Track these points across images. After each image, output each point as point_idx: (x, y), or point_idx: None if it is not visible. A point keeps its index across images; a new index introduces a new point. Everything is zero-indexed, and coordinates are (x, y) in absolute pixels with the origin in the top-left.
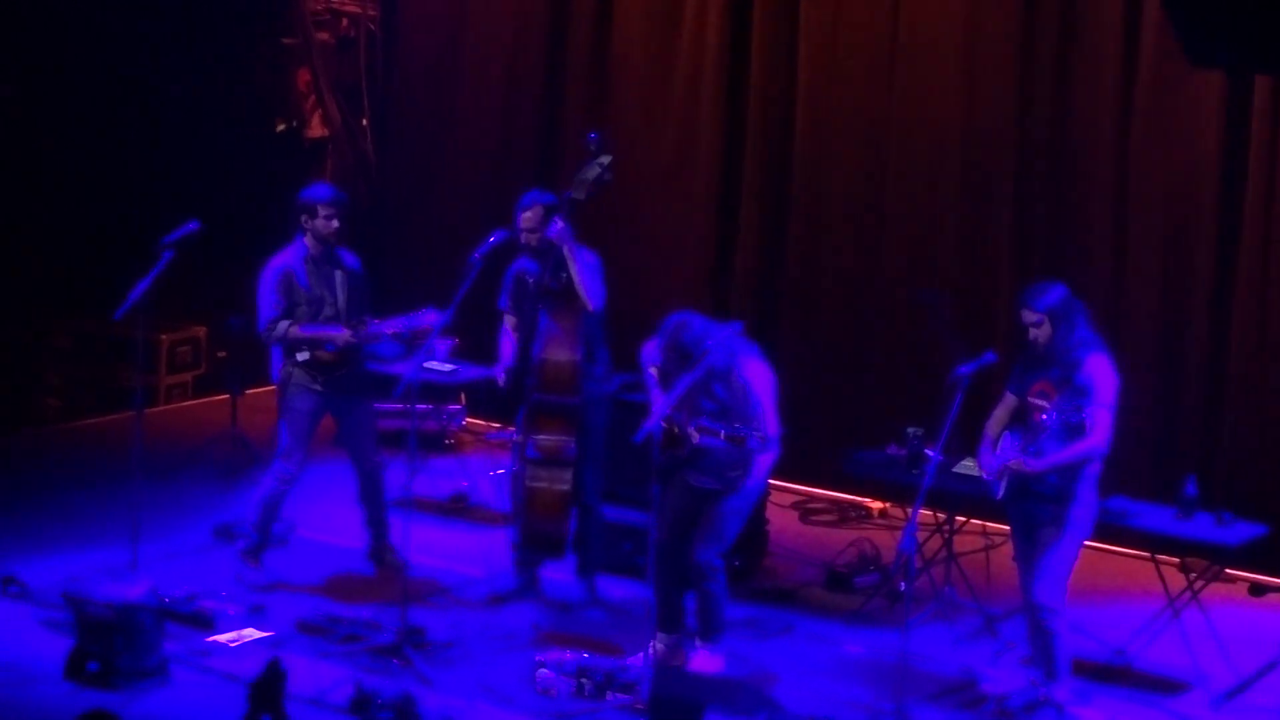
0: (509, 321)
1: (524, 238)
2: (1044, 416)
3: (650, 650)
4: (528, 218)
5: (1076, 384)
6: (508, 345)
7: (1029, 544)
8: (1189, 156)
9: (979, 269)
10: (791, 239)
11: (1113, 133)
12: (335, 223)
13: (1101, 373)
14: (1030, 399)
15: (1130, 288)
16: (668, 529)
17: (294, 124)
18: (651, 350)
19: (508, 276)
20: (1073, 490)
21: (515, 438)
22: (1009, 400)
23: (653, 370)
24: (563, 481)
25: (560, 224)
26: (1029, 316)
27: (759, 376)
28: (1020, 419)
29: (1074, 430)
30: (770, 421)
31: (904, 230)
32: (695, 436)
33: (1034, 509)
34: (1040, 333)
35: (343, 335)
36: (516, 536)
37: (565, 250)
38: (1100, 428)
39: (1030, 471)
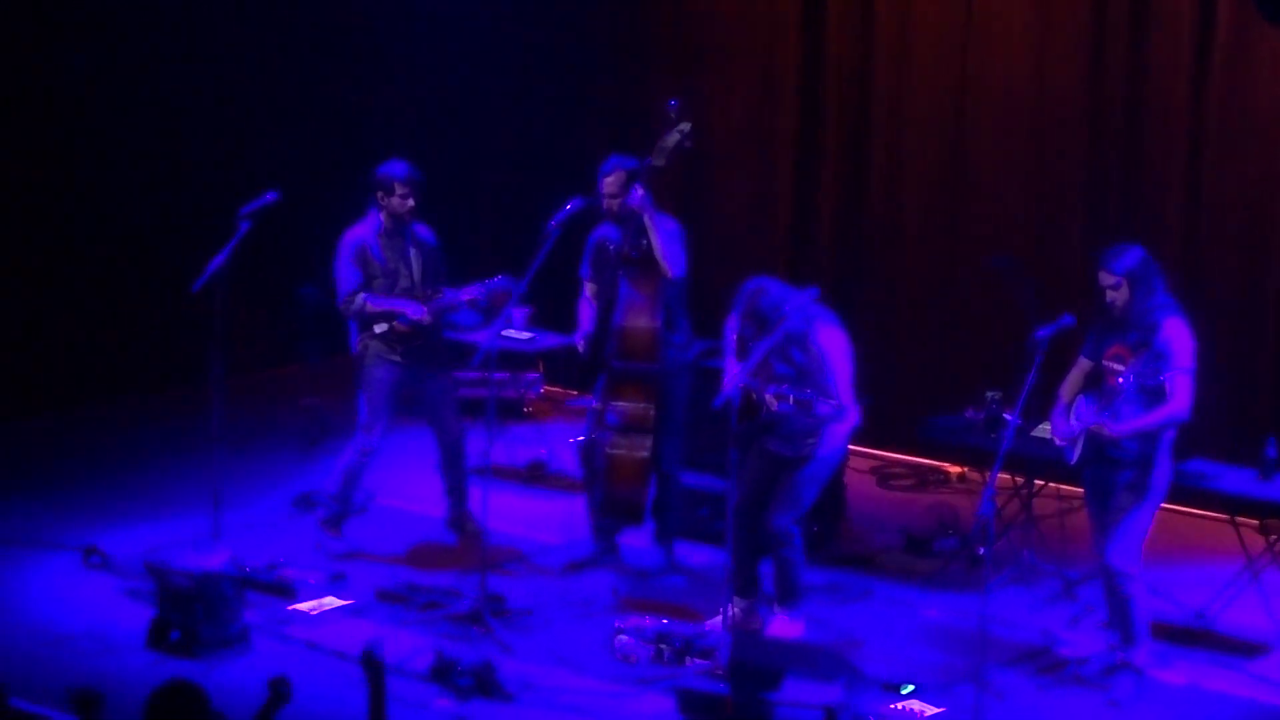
0: (589, 289)
1: (606, 204)
2: (1119, 380)
3: (726, 614)
4: (609, 183)
5: (1154, 348)
6: (587, 312)
7: (1104, 509)
8: (1265, 116)
9: (1054, 232)
10: (868, 206)
11: (1187, 92)
12: (410, 201)
13: (1179, 337)
14: (1105, 363)
15: (1205, 248)
16: (745, 495)
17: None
18: (735, 321)
19: (589, 243)
20: (1149, 455)
21: (594, 405)
22: (1083, 364)
23: (733, 338)
24: (642, 448)
25: (640, 191)
26: (1107, 279)
27: (835, 343)
28: (1094, 383)
29: (1149, 394)
30: (844, 388)
31: (980, 195)
32: (773, 403)
33: (1110, 474)
34: (1118, 295)
35: (417, 311)
36: (594, 503)
37: (645, 218)
38: (1180, 393)
39: (1111, 436)
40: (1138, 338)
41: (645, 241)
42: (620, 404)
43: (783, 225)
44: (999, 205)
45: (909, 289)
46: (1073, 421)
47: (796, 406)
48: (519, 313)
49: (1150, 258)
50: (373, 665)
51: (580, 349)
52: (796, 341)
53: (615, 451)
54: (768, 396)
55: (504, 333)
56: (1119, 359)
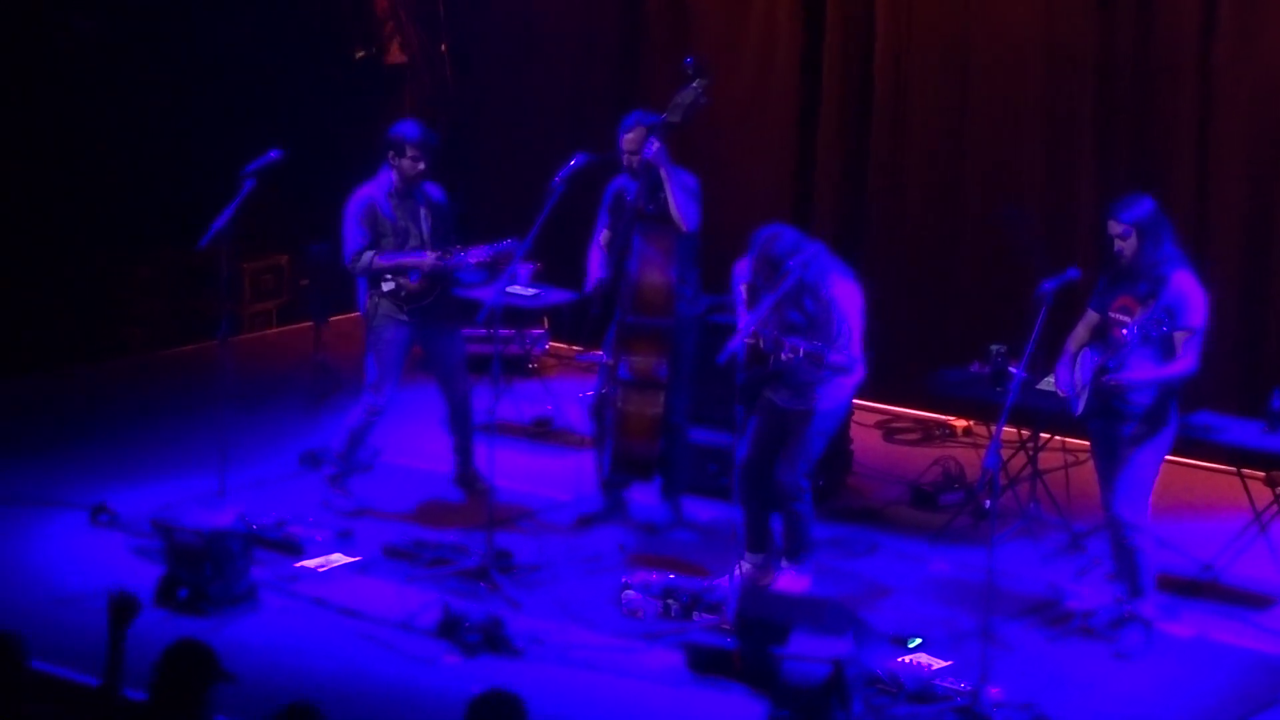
0: (603, 236)
1: (626, 159)
2: (1125, 331)
3: (738, 570)
4: (630, 139)
5: (1163, 301)
6: (597, 258)
7: (1110, 460)
8: (1273, 72)
9: (1061, 186)
10: (873, 160)
11: (1196, 49)
12: (421, 165)
13: (1192, 291)
14: (1112, 314)
15: (1213, 203)
16: (753, 449)
17: (373, 50)
18: (744, 267)
19: (607, 191)
20: (1156, 408)
21: (605, 360)
22: (1090, 317)
23: (743, 288)
24: (655, 404)
25: (656, 145)
26: (1116, 228)
27: (846, 294)
28: (1101, 335)
29: (1155, 345)
30: (855, 340)
31: (986, 148)
32: (784, 353)
33: (1116, 426)
34: (1126, 245)
35: (426, 260)
36: (602, 459)
37: (661, 172)
38: (1190, 352)
39: (1116, 384)
40: (1146, 289)
41: (661, 196)
42: (633, 359)
43: (785, 178)
44: (1005, 158)
45: (914, 243)
46: (1078, 373)
47: (807, 358)
48: (524, 269)
49: (1160, 209)
50: (120, 608)
51: (590, 293)
52: (809, 290)
53: (628, 407)
54: (783, 345)
55: (509, 289)
56: (1126, 310)
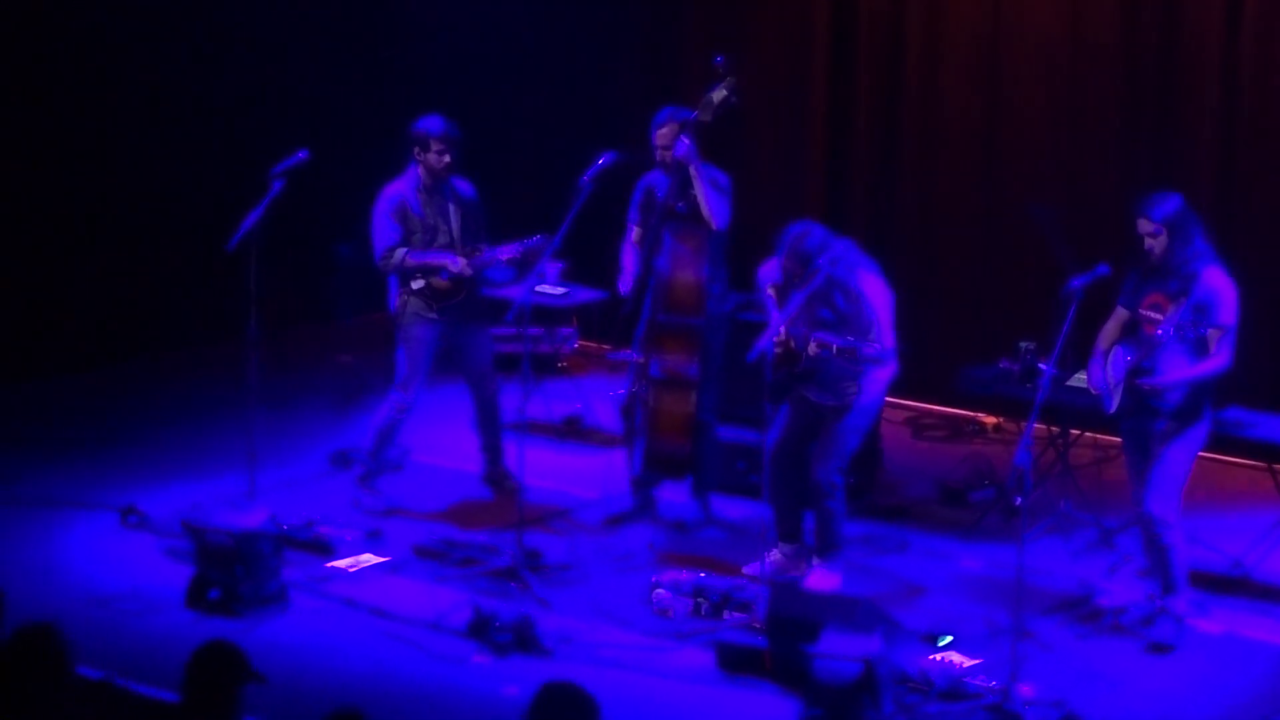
0: (634, 233)
1: (659, 154)
2: (1158, 330)
3: (769, 560)
4: (663, 134)
5: (1195, 298)
6: (630, 255)
7: (1142, 458)
8: None
9: (1090, 182)
10: (903, 157)
11: (1220, 45)
12: (447, 158)
13: (1223, 288)
14: (1143, 312)
15: (1241, 196)
16: (783, 442)
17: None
18: (769, 269)
19: (637, 187)
20: (1189, 405)
21: (635, 358)
22: (1120, 314)
23: (770, 290)
24: (686, 402)
25: (687, 143)
26: (1146, 226)
27: (875, 289)
28: (1131, 332)
29: (1190, 344)
30: (887, 334)
31: (1014, 145)
32: (815, 349)
33: (1148, 424)
34: (1156, 243)
35: (456, 263)
36: (632, 457)
37: (691, 169)
38: (1224, 350)
39: (1156, 387)
40: (1177, 286)
41: (691, 193)
42: (664, 357)
43: (816, 175)
44: (1034, 154)
45: (943, 240)
46: (1110, 370)
47: (840, 354)
48: (553, 268)
49: (1188, 206)
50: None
51: (624, 291)
52: (839, 286)
53: (658, 405)
54: (811, 344)
55: (538, 288)
56: (1156, 308)
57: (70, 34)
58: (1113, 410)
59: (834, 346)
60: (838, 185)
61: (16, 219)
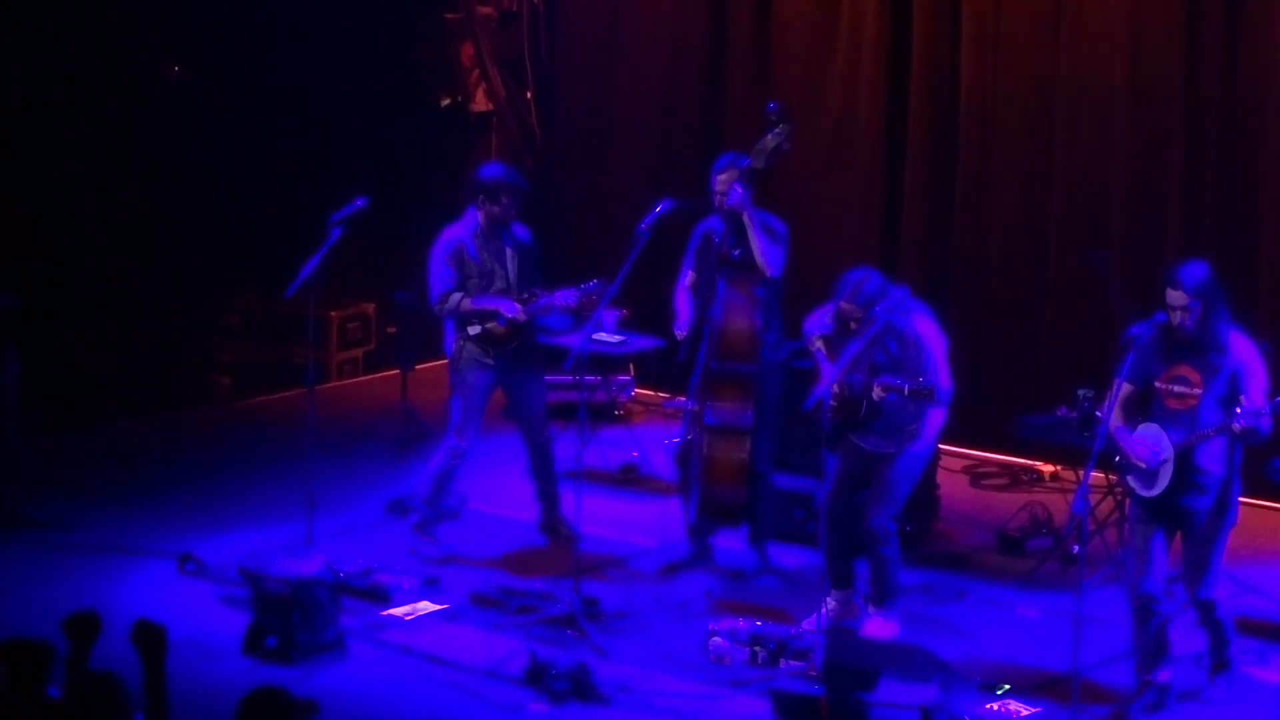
0: (689, 278)
1: (717, 200)
2: (1200, 405)
3: (823, 609)
4: (722, 180)
5: (1226, 370)
6: (685, 301)
7: (1189, 539)
8: None
9: (1148, 230)
10: (958, 204)
11: None
12: (513, 211)
13: (1251, 354)
14: (1163, 385)
15: None
16: (836, 489)
17: (458, 99)
18: (815, 321)
19: (694, 232)
20: (1229, 477)
21: (690, 406)
22: (1126, 390)
23: (817, 342)
24: (741, 450)
25: (740, 191)
26: (1180, 299)
27: (930, 331)
28: (1140, 408)
29: (1223, 408)
30: (944, 376)
31: (1072, 192)
32: (880, 393)
33: (1192, 500)
34: (1189, 316)
35: (513, 309)
36: (688, 505)
37: (745, 217)
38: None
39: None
40: (1214, 358)
41: (746, 241)
42: (719, 404)
43: (870, 226)
44: (1090, 201)
45: (1000, 288)
46: (1150, 451)
47: (911, 396)
48: (610, 316)
49: (1214, 272)
50: (148, 637)
51: (680, 337)
52: (894, 332)
53: (714, 453)
54: (875, 388)
55: (595, 336)
56: (1185, 381)
57: (130, 84)
58: (1159, 491)
59: (905, 389)
60: (894, 233)
61: (86, 267)
